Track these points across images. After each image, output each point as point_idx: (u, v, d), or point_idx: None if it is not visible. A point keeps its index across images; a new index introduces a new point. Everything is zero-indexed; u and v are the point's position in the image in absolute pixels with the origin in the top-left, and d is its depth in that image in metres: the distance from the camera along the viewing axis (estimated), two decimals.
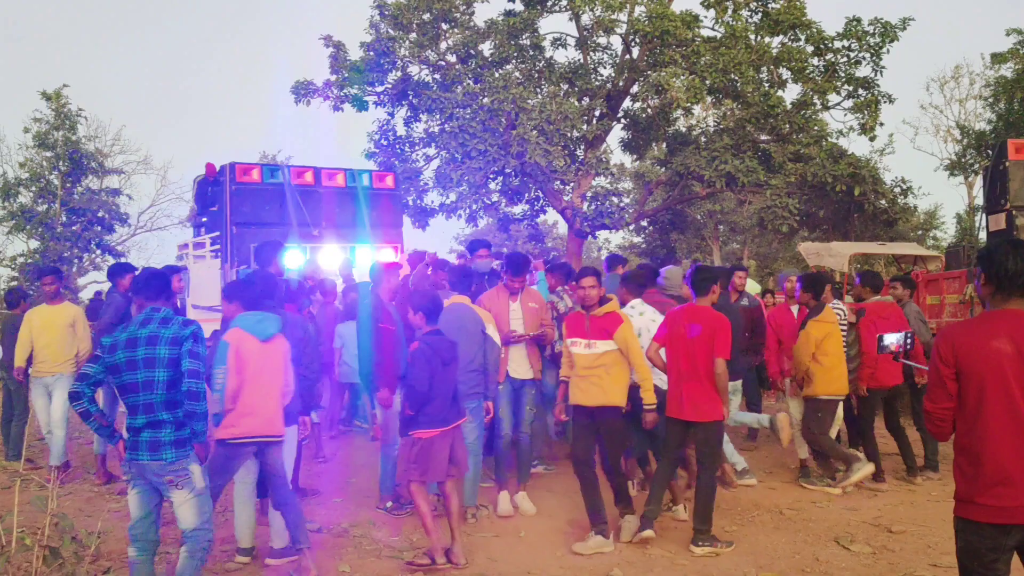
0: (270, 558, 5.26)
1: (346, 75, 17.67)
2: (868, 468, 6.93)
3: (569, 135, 16.91)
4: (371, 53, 17.52)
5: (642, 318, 6.15)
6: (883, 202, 16.60)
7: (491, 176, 17.12)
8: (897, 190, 17.25)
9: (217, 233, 10.26)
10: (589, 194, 18.21)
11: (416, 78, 18.20)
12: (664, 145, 20.35)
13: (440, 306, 5.44)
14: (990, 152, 11.97)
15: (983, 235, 11.18)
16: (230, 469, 4.97)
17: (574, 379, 5.67)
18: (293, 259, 8.66)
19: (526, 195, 19.00)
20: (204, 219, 11.03)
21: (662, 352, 5.80)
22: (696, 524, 5.60)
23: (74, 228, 22.79)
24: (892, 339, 4.55)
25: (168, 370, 4.10)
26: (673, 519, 6.20)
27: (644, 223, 27.69)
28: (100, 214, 23.49)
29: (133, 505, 4.23)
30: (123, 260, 22.51)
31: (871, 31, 16.95)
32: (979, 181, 22.60)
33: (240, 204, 10.02)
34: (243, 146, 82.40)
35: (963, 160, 23.14)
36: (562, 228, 29.97)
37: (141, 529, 4.24)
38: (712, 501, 5.65)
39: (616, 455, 5.78)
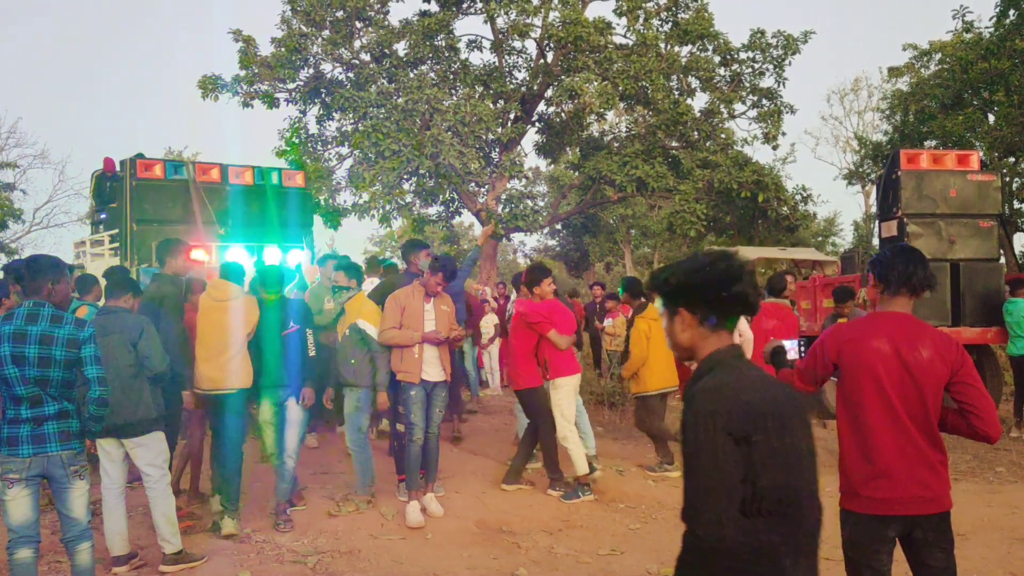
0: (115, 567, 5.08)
1: (256, 71, 17.28)
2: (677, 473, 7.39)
3: (484, 137, 16.95)
4: (282, 49, 17.19)
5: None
6: (785, 209, 17.19)
7: (405, 177, 17.00)
8: (798, 197, 17.89)
9: (116, 231, 9.88)
10: (504, 197, 18.29)
11: (329, 76, 17.95)
12: (577, 149, 20.61)
13: None
14: (884, 162, 12.53)
15: (877, 241, 11.71)
16: None
17: None
18: (197, 257, 8.42)
19: (441, 197, 18.95)
20: (103, 215, 10.60)
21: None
22: (548, 473, 6.99)
23: None
24: (787, 344, 4.72)
25: (64, 369, 4.07)
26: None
27: (558, 226, 27.98)
28: None
29: (24, 507, 4.04)
30: (17, 258, 21.44)
31: (774, 43, 17.58)
32: (875, 190, 23.76)
33: (141, 200, 9.66)
34: (148, 141, 79.49)
35: (860, 170, 24.21)
36: (477, 230, 30.02)
37: (34, 530, 4.12)
38: (555, 453, 6.95)
39: None
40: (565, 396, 6.97)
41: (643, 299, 7.97)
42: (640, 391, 7.72)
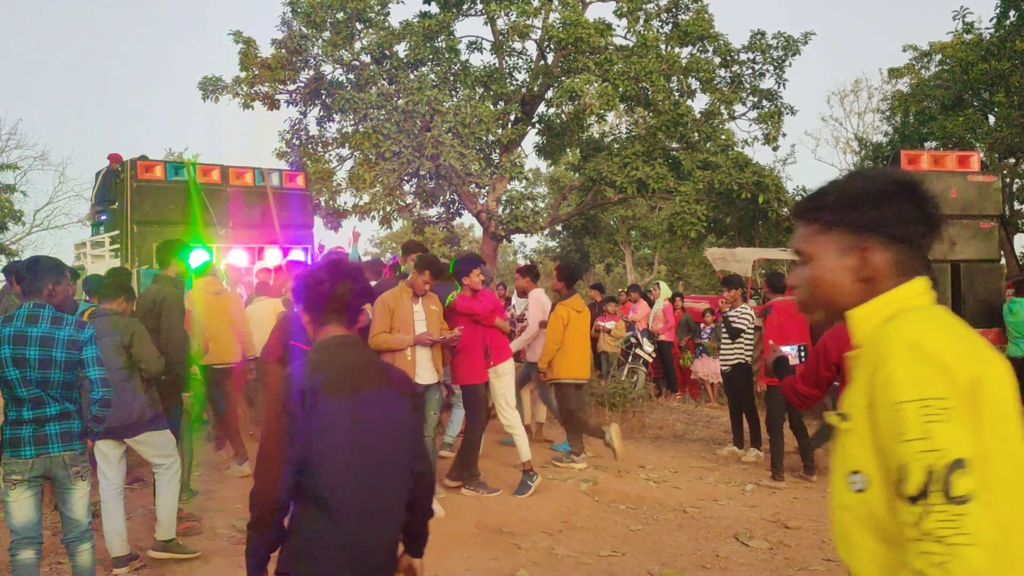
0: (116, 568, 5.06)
1: (256, 72, 17.29)
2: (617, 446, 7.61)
3: (484, 138, 16.94)
4: (283, 51, 17.20)
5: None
6: (785, 210, 17.15)
7: (405, 178, 17.02)
8: (799, 199, 17.85)
9: (117, 232, 9.91)
10: (504, 198, 18.29)
11: (329, 77, 17.96)
12: (578, 151, 20.59)
13: None
14: (885, 163, 12.56)
15: None
16: None
17: None
18: (198, 259, 8.42)
19: (441, 198, 18.97)
20: (104, 216, 10.64)
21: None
22: (463, 474, 6.93)
23: None
24: (788, 351, 4.71)
25: (65, 371, 4.06)
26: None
27: (558, 228, 27.97)
28: None
29: (27, 508, 4.05)
30: (17, 259, 21.45)
31: (775, 44, 17.58)
32: None
33: (142, 202, 9.70)
34: (148, 143, 79.66)
35: None
36: (478, 231, 30.02)
37: (37, 531, 4.12)
38: (474, 453, 6.93)
39: None
40: (508, 384, 7.10)
41: (572, 289, 8.10)
42: (553, 378, 7.86)
